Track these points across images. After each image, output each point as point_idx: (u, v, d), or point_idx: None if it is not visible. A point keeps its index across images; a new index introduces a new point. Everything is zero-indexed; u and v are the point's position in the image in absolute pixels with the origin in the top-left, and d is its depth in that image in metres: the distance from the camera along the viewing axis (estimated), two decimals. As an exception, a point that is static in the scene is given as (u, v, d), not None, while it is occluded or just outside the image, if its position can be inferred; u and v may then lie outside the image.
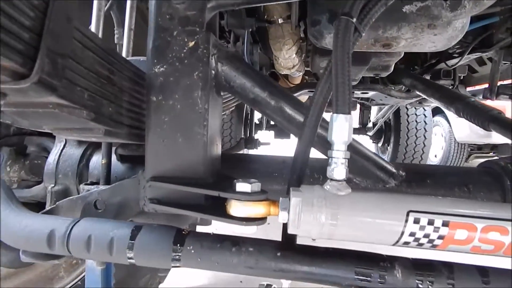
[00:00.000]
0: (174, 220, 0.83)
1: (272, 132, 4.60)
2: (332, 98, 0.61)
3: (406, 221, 0.56)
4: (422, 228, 0.56)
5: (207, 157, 0.70)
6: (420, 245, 0.57)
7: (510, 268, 0.63)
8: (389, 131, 4.50)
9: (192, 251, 0.67)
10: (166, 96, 0.70)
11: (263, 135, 4.88)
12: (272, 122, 4.68)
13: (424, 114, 4.38)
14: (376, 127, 4.46)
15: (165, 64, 0.70)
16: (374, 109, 4.74)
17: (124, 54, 1.18)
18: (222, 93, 0.78)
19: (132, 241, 0.67)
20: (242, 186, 0.60)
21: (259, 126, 4.54)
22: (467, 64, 2.43)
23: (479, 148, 4.95)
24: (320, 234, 0.58)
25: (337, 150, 0.60)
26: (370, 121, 4.69)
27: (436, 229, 0.55)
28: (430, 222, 0.55)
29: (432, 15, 1.18)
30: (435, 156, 5.24)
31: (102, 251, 0.68)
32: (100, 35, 1.03)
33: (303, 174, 0.69)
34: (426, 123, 4.40)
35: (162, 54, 0.70)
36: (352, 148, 0.86)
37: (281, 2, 0.97)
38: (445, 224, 0.55)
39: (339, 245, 0.69)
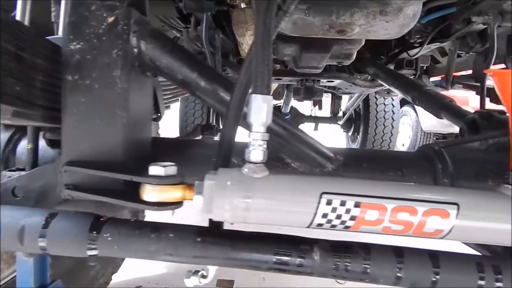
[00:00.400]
0: (103, 208, 0.80)
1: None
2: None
3: (319, 202, 0.55)
4: (334, 209, 0.55)
5: (128, 140, 0.67)
6: (333, 226, 0.57)
7: (427, 248, 0.64)
8: (359, 120, 4.59)
9: (109, 239, 0.64)
10: (82, 75, 0.65)
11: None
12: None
13: (392, 104, 4.47)
14: (346, 116, 4.52)
15: (82, 41, 0.65)
16: (345, 99, 4.80)
17: (60, 33, 1.10)
18: (149, 73, 0.75)
19: (45, 229, 0.63)
20: (155, 170, 0.57)
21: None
22: (430, 54, 2.47)
23: (444, 137, 5.14)
24: (234, 218, 0.57)
25: (255, 132, 0.58)
26: (341, 110, 4.76)
27: (348, 210, 0.55)
28: (342, 203, 0.55)
29: (382, 1, 1.17)
30: (403, 145, 5.40)
31: (12, 241, 0.63)
32: (28, 11, 0.95)
33: (229, 156, 0.68)
34: (394, 113, 4.50)
35: (79, 30, 0.65)
36: (290, 132, 0.85)
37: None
38: (356, 205, 0.55)
39: (271, 229, 0.68)
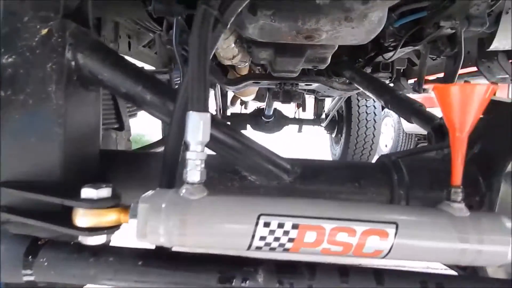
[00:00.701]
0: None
1: (228, 123, 4.55)
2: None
3: (256, 224, 0.53)
4: (272, 232, 0.54)
5: (67, 158, 0.64)
6: (272, 249, 0.55)
7: (372, 267, 0.63)
8: (342, 122, 4.62)
9: (46, 264, 0.61)
10: (16, 90, 0.62)
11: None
12: (228, 113, 4.63)
13: (374, 106, 4.52)
14: (328, 118, 4.55)
15: (14, 54, 0.62)
16: (328, 101, 4.83)
17: None
18: (92, 87, 0.72)
19: (-24, 254, 0.60)
20: (86, 192, 0.55)
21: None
22: (406, 57, 2.50)
23: (425, 138, 5.22)
24: (170, 242, 0.55)
25: (192, 151, 0.56)
26: (324, 112, 4.78)
27: (286, 232, 0.54)
28: (280, 225, 0.54)
29: (345, 8, 1.17)
30: (386, 146, 5.47)
31: None
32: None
33: (174, 174, 0.65)
34: (375, 114, 4.56)
35: (11, 42, 0.62)
36: (245, 145, 0.83)
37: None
38: (294, 226, 0.54)
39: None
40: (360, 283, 0.60)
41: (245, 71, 3.17)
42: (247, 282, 0.59)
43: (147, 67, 2.78)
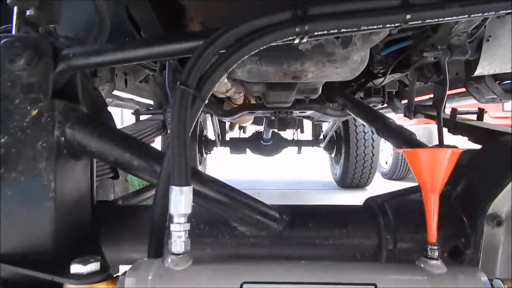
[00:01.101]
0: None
1: (227, 148, 4.60)
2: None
3: (240, 294, 0.55)
4: (255, 299, 0.56)
5: (58, 229, 0.67)
6: (256, 316, 0.57)
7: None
8: (340, 142, 4.65)
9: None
10: (8, 168, 0.66)
11: (218, 152, 4.86)
12: (227, 138, 4.69)
13: (371, 125, 4.55)
14: (326, 139, 4.58)
15: (7, 135, 0.66)
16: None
17: None
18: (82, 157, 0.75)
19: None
20: (75, 268, 0.57)
21: (214, 143, 4.52)
22: (398, 79, 2.55)
23: (425, 153, 5.22)
24: (157, 314, 0.56)
25: (176, 224, 0.59)
26: (322, 133, 4.82)
27: (269, 300, 0.56)
28: (263, 293, 0.56)
29: (326, 52, 1.22)
30: (386, 162, 5.47)
31: None
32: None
33: (162, 243, 0.68)
34: (373, 133, 4.58)
35: (3, 124, 0.66)
36: (233, 198, 0.86)
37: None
38: (276, 293, 0.56)
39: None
40: None
41: (240, 101, 3.24)
42: None
43: (144, 101, 2.85)
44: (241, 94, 2.79)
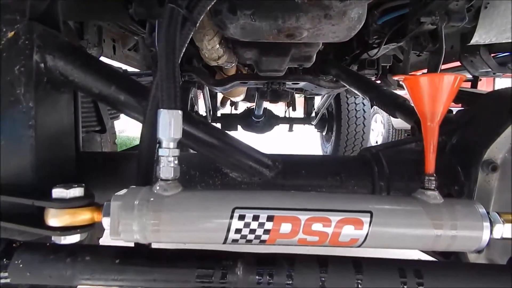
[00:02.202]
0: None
1: (219, 125, 4.54)
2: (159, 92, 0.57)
3: (231, 218, 0.53)
4: (247, 224, 0.54)
5: (39, 160, 0.63)
6: (249, 241, 0.55)
7: (351, 256, 0.63)
8: (332, 120, 4.64)
9: (21, 265, 0.60)
10: (-15, 93, 0.61)
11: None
12: (219, 114, 4.63)
13: (363, 103, 4.55)
14: (318, 116, 4.57)
15: (-20, 58, 0.61)
16: (318, 99, 4.85)
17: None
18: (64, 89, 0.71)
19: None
20: (58, 192, 0.54)
21: (204, 118, 4.46)
22: (392, 54, 2.52)
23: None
24: (145, 239, 0.54)
25: (165, 148, 0.56)
26: (314, 110, 4.80)
27: (261, 224, 0.54)
28: (255, 218, 0.54)
29: (323, 5, 1.18)
30: (376, 142, 5.51)
31: None
32: None
33: (150, 172, 0.65)
34: (365, 111, 4.59)
35: (-22, 45, 0.61)
36: (225, 142, 0.83)
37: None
38: (269, 218, 0.54)
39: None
40: (339, 272, 0.60)
41: (232, 72, 3.17)
42: (227, 275, 0.59)
43: (134, 70, 2.77)
44: (233, 64, 2.73)
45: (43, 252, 0.61)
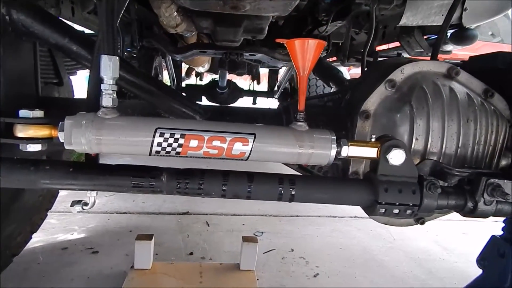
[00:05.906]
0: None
1: (183, 95, 4.64)
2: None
3: (154, 135, 0.75)
4: (166, 140, 0.76)
5: (5, 92, 0.81)
6: (168, 153, 0.78)
7: (246, 170, 0.88)
8: (294, 94, 4.90)
9: (-6, 172, 0.79)
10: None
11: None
12: (183, 84, 4.72)
13: (322, 79, 4.81)
14: (279, 89, 4.80)
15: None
16: (281, 73, 5.05)
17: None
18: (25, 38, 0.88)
19: None
20: (23, 113, 0.73)
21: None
22: (343, 32, 2.75)
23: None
24: (91, 149, 0.75)
25: (106, 83, 0.76)
26: (276, 84, 5.01)
27: (176, 140, 0.76)
28: (172, 135, 0.76)
29: (259, -18, 1.37)
30: (334, 117, 5.85)
31: None
32: None
33: (96, 103, 0.85)
34: (324, 87, 4.85)
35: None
36: (163, 90, 1.03)
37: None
38: (182, 136, 0.76)
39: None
40: (237, 180, 0.85)
41: (193, 40, 3.28)
42: (155, 181, 0.82)
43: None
44: (193, 33, 2.85)
45: (12, 161, 0.80)
